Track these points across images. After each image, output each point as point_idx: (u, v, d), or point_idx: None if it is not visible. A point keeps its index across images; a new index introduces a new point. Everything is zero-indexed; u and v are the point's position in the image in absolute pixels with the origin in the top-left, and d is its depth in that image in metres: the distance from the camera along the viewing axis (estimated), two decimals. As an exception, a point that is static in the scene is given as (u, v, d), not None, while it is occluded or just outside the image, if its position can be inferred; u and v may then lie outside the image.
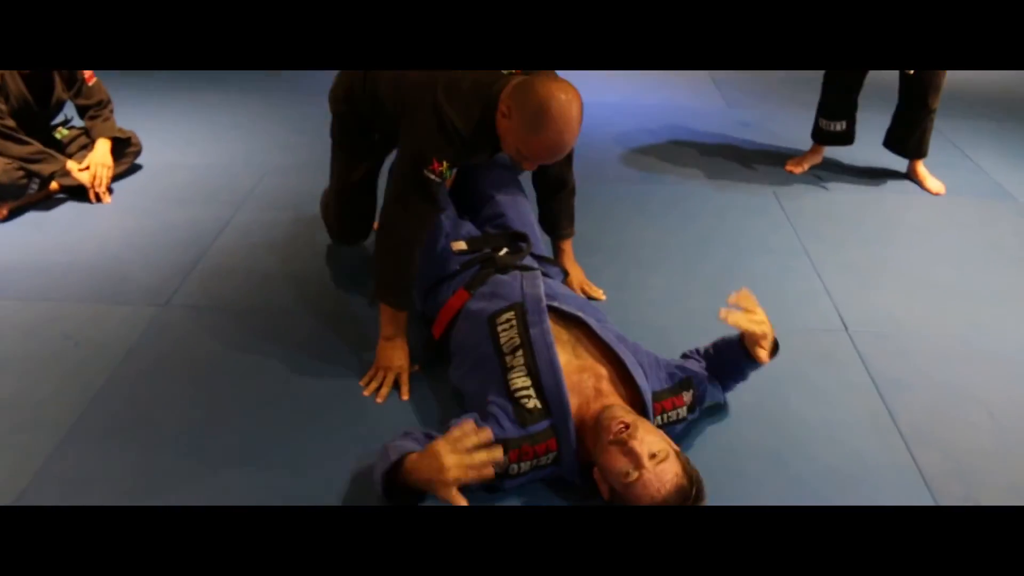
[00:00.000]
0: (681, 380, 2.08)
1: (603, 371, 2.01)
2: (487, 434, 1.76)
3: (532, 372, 1.97)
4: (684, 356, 2.24)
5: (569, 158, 2.50)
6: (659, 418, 2.02)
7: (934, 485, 2.04)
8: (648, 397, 1.99)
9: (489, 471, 1.75)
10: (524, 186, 2.72)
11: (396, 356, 2.29)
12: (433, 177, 2.11)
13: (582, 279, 2.73)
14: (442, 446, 1.74)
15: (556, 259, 2.66)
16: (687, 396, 2.07)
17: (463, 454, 1.72)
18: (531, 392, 1.95)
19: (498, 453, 1.76)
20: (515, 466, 1.88)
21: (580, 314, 2.09)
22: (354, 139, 2.58)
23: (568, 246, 2.71)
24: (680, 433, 2.11)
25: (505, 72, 2.09)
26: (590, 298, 2.65)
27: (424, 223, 2.25)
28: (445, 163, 2.11)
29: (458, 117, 2.07)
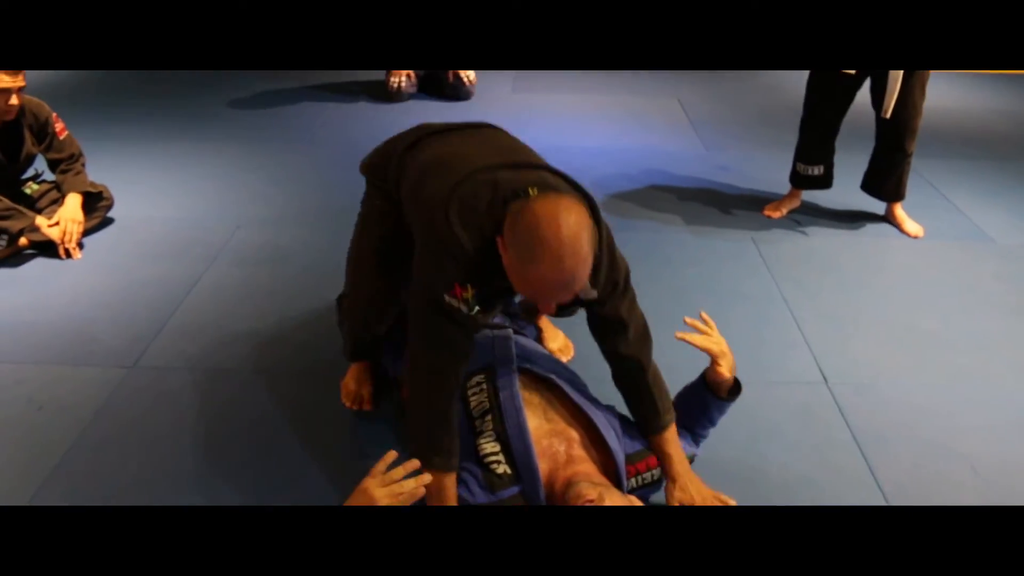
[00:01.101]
0: None
1: (575, 435, 1.96)
2: (412, 463, 1.75)
3: (501, 437, 1.93)
4: None
5: (623, 327, 1.95)
6: (633, 480, 1.98)
7: (917, 546, 2.00)
8: (621, 459, 1.95)
9: (420, 492, 1.72)
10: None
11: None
12: (457, 304, 1.77)
13: (704, 496, 2.01)
14: (369, 483, 1.73)
15: (662, 464, 2.04)
16: None
17: (391, 485, 1.71)
18: (500, 457, 1.91)
19: (427, 478, 1.75)
20: None
21: (552, 376, 2.06)
22: (381, 206, 2.20)
23: (672, 448, 2.02)
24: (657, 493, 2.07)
25: (532, 191, 1.74)
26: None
27: (457, 357, 1.85)
28: (470, 288, 1.77)
29: (467, 238, 1.74)
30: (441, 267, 1.78)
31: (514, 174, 1.81)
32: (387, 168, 2.11)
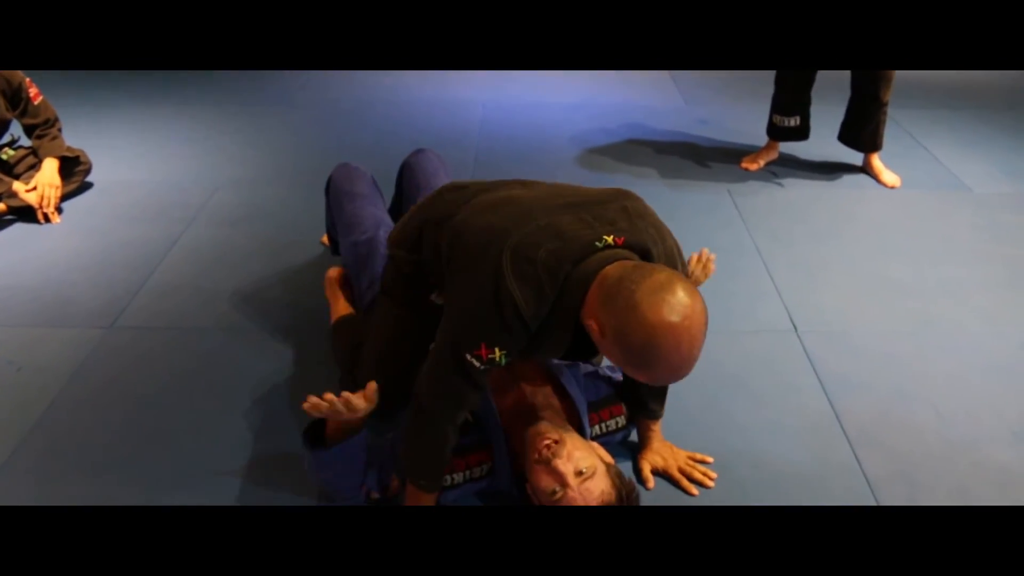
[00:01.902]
0: (619, 386, 2.07)
1: (537, 385, 1.99)
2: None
3: None
4: None
5: None
6: (597, 428, 2.02)
7: (877, 487, 2.04)
8: (583, 408, 1.99)
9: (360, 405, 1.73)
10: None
11: None
12: (478, 365, 1.62)
13: (679, 459, 2.09)
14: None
15: (640, 434, 2.12)
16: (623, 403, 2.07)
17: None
18: None
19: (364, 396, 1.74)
20: (448, 477, 1.89)
21: None
22: (408, 289, 2.02)
23: (657, 426, 2.11)
24: (621, 441, 2.11)
25: (599, 243, 1.58)
26: (691, 480, 2.06)
27: (462, 406, 1.75)
28: (498, 351, 1.60)
29: (524, 298, 1.55)
30: (479, 321, 1.60)
31: (576, 217, 1.64)
32: (422, 234, 1.92)
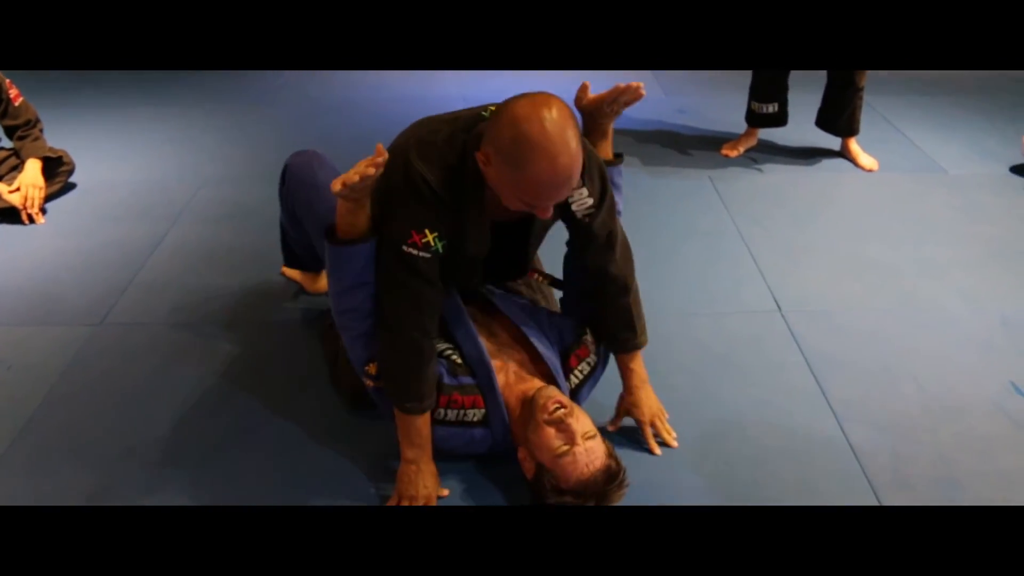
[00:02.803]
0: (577, 325, 2.13)
1: (516, 352, 2.06)
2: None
3: (451, 340, 2.02)
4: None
5: (611, 243, 1.97)
6: (571, 378, 2.08)
7: (863, 459, 2.08)
8: (556, 365, 2.04)
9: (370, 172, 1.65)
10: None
11: (422, 483, 1.89)
12: (416, 252, 1.74)
13: (654, 411, 2.13)
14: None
15: (623, 377, 2.13)
16: (588, 339, 2.12)
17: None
18: (455, 353, 2.00)
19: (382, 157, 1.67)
20: (442, 411, 1.93)
21: (483, 291, 2.15)
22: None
23: (637, 365, 2.11)
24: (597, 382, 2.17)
25: (485, 113, 1.75)
26: (659, 441, 2.12)
27: (423, 308, 1.82)
28: (428, 232, 1.74)
29: (431, 171, 1.72)
30: (401, 211, 1.75)
31: (470, 109, 1.83)
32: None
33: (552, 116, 1.56)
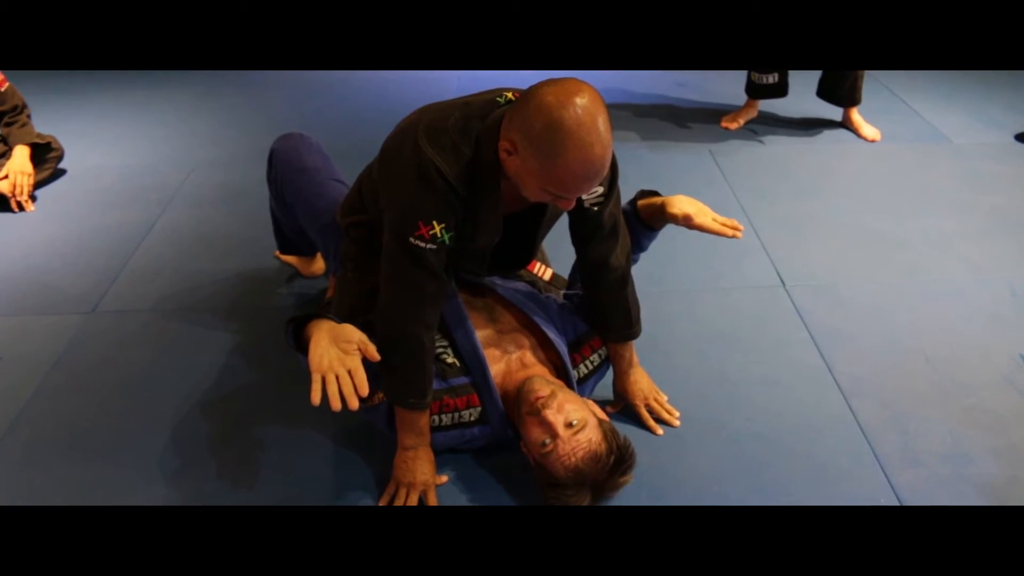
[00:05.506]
0: (589, 316, 2.08)
1: (524, 340, 1.99)
2: (372, 351, 1.64)
3: (446, 334, 1.96)
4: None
5: (615, 233, 1.92)
6: (581, 367, 2.03)
7: (872, 436, 2.04)
8: (564, 351, 1.99)
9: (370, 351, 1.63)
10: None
11: (419, 470, 1.86)
12: (424, 245, 1.66)
13: (646, 392, 2.12)
14: (326, 334, 1.64)
15: (614, 362, 2.10)
16: None
17: (342, 346, 1.62)
18: (448, 350, 1.94)
19: (372, 350, 1.62)
20: (436, 417, 1.88)
21: (490, 282, 2.08)
22: (372, 258, 1.91)
23: (626, 349, 2.07)
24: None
25: (500, 99, 1.67)
26: (658, 420, 2.09)
27: (426, 300, 1.75)
28: (436, 224, 1.66)
29: (444, 160, 1.62)
30: (410, 201, 1.66)
31: (482, 93, 1.73)
32: (360, 189, 1.97)
33: (585, 103, 1.47)
